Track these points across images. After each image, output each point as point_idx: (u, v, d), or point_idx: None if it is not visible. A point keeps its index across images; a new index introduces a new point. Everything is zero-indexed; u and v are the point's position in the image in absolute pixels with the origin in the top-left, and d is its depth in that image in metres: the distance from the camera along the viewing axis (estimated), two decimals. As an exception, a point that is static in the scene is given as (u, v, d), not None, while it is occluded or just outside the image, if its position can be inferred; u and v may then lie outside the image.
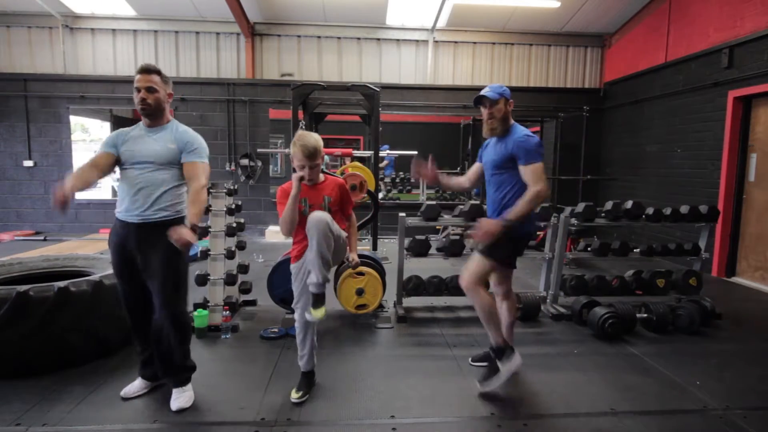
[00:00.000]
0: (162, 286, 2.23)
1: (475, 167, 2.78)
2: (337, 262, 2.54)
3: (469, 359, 2.89)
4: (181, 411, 2.27)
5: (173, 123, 2.39)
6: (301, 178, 2.23)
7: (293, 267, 2.41)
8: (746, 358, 3.04)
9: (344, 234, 2.38)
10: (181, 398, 2.32)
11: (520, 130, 2.47)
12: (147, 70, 2.28)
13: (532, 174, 2.34)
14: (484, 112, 2.52)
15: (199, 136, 2.40)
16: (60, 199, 1.97)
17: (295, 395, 2.39)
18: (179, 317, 2.31)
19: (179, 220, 2.29)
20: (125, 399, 2.38)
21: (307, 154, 2.20)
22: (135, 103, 2.27)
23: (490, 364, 2.59)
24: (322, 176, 2.38)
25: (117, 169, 2.33)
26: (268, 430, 2.15)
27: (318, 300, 2.29)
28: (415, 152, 5.73)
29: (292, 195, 2.22)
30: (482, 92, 2.50)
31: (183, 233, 2.01)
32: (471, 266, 2.50)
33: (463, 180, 2.87)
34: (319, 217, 2.16)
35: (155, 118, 2.31)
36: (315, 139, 2.25)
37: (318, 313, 2.29)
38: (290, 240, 2.43)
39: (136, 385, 2.45)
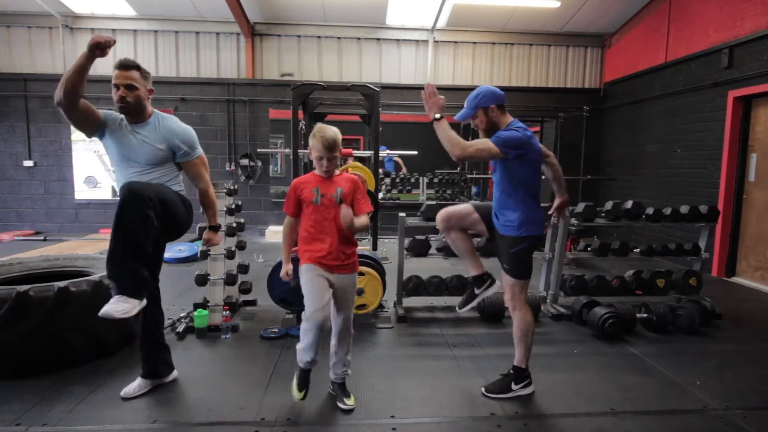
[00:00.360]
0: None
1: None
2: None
3: (483, 390, 2.55)
4: (107, 316, 2.00)
5: (155, 117, 2.30)
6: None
7: (302, 267, 2.28)
8: (746, 358, 3.04)
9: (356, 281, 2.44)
10: (118, 304, 2.03)
11: (505, 128, 2.36)
12: (125, 66, 2.17)
13: (477, 141, 2.32)
14: (471, 124, 2.50)
15: (185, 128, 2.34)
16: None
17: (298, 395, 2.30)
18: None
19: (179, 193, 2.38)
20: (125, 399, 2.37)
21: (327, 145, 2.21)
22: (114, 100, 2.17)
23: (502, 377, 2.58)
24: (337, 171, 2.37)
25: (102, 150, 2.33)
26: (268, 430, 2.15)
27: (344, 387, 2.41)
28: (415, 152, 5.75)
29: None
30: (456, 116, 2.48)
31: (212, 239, 2.56)
32: (508, 294, 2.50)
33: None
34: (346, 325, 2.36)
35: (136, 115, 2.24)
36: (334, 131, 2.26)
37: (351, 401, 2.36)
38: None
39: (135, 385, 2.43)
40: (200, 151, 2.41)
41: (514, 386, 2.49)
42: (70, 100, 2.08)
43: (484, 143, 2.30)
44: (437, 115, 2.32)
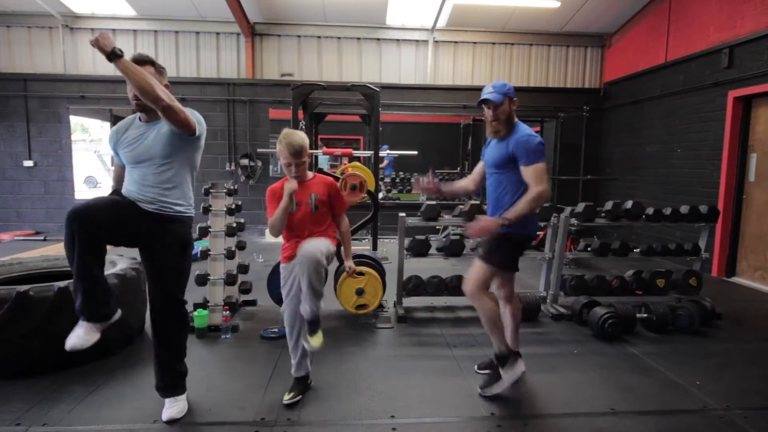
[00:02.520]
0: (168, 281, 2.19)
1: (479, 167, 2.69)
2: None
3: (475, 366, 2.80)
4: (172, 422, 2.17)
5: None
6: (293, 191, 2.21)
7: (283, 267, 2.37)
8: (746, 358, 3.04)
9: (333, 249, 2.32)
10: (173, 408, 2.22)
11: (523, 130, 2.39)
12: (141, 61, 2.09)
13: (533, 174, 2.28)
14: (488, 113, 2.43)
15: (195, 111, 2.24)
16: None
17: (287, 396, 2.37)
18: (180, 311, 2.26)
19: (187, 218, 2.24)
20: (72, 351, 2.00)
21: (293, 152, 2.20)
22: (129, 98, 2.10)
23: (493, 370, 2.57)
24: (310, 174, 2.37)
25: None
26: (268, 430, 2.15)
27: (313, 326, 2.26)
28: (415, 152, 5.75)
29: (282, 207, 2.20)
30: (486, 94, 2.41)
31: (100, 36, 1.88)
32: (473, 273, 2.46)
33: (468, 183, 2.74)
34: (310, 254, 2.12)
35: (152, 112, 2.12)
36: (300, 137, 2.24)
37: (315, 341, 2.25)
38: None
39: (81, 334, 2.01)
40: (196, 117, 2.21)
41: (503, 372, 2.48)
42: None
43: (540, 168, 2.29)
44: (504, 222, 2.27)
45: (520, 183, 2.35)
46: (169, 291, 2.22)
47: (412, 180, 2.55)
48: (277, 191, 2.29)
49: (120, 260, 3.17)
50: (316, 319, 2.25)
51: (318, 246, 2.18)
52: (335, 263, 3.69)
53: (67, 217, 1.89)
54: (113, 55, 1.85)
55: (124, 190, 2.19)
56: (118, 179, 2.27)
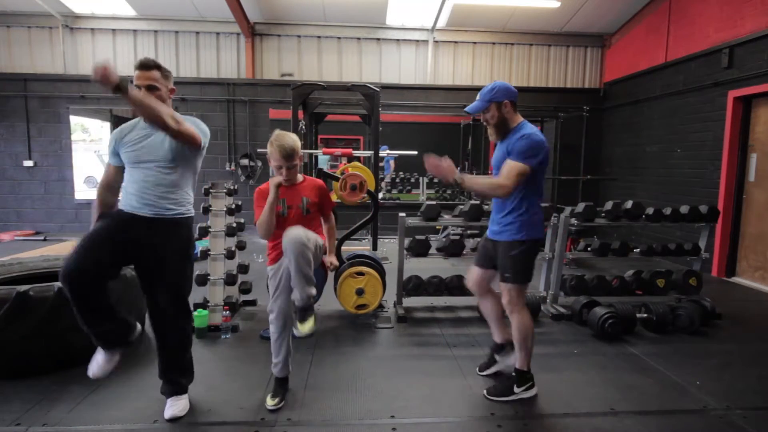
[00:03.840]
0: (172, 286, 2.20)
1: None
2: (317, 266, 2.40)
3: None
4: (175, 420, 2.19)
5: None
6: (278, 184, 2.20)
7: (269, 269, 2.35)
8: (746, 358, 3.04)
9: (321, 241, 2.31)
10: (176, 406, 2.23)
11: (523, 130, 2.33)
12: (146, 66, 2.10)
13: (507, 169, 2.24)
14: (481, 118, 2.46)
15: (199, 121, 2.30)
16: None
17: (270, 402, 2.32)
18: (189, 315, 2.32)
19: (189, 219, 2.25)
20: (95, 379, 2.13)
21: (285, 154, 2.18)
22: None
23: (503, 380, 2.56)
24: (300, 176, 2.36)
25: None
26: (268, 430, 2.15)
27: (305, 312, 2.20)
28: (415, 152, 5.74)
29: (269, 201, 2.18)
30: (467, 108, 2.45)
31: (104, 69, 1.76)
32: (505, 298, 2.42)
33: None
34: (293, 236, 2.09)
35: None
36: (292, 139, 2.21)
37: (305, 327, 2.20)
38: None
39: (101, 362, 2.11)
40: (197, 126, 2.25)
41: (516, 389, 2.46)
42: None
43: (515, 167, 2.23)
44: (458, 178, 2.27)
45: (522, 186, 2.30)
46: (181, 296, 2.24)
47: (425, 158, 2.48)
48: (265, 193, 2.24)
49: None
50: (308, 306, 2.21)
51: (300, 230, 2.13)
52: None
53: (60, 278, 1.92)
54: (119, 90, 1.80)
55: (122, 200, 2.17)
56: (107, 185, 2.21)
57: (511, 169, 2.24)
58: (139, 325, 2.23)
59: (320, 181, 2.43)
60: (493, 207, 2.53)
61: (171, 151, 2.13)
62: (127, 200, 2.14)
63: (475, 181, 2.32)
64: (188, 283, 2.30)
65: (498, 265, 2.46)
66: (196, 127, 2.19)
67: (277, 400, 2.33)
